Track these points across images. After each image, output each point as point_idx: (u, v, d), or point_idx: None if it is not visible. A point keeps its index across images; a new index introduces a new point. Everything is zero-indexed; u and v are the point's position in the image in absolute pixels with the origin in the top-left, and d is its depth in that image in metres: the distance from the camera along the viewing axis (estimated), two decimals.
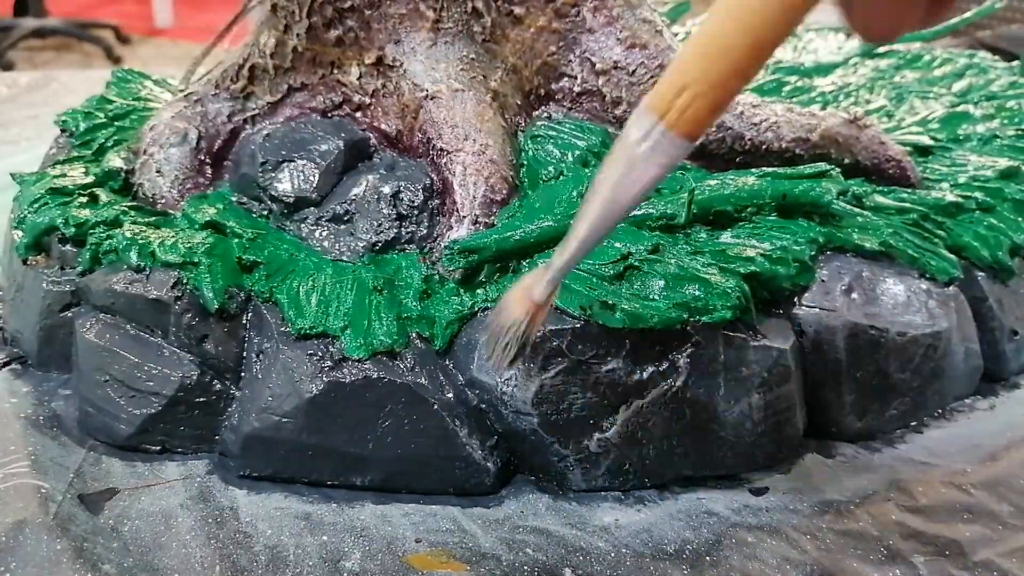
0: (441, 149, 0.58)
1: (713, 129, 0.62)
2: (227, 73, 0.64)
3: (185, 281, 0.51)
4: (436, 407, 0.48)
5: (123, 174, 0.62)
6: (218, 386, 0.51)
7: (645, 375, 0.48)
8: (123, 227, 0.55)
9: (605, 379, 0.48)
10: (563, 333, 0.48)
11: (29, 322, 0.58)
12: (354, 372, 0.48)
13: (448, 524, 0.47)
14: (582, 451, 0.49)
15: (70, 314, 0.56)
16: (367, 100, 0.62)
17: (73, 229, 0.56)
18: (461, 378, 0.50)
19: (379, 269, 0.54)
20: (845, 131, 0.62)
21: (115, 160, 0.63)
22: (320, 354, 0.49)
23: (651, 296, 0.48)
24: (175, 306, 0.51)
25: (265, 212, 0.58)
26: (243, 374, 0.51)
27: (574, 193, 0.56)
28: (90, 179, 0.61)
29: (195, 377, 0.50)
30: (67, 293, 0.56)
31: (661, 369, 0.49)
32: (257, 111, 0.63)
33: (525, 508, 0.49)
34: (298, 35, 0.61)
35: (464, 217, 0.55)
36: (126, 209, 0.57)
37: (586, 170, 0.59)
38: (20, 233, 0.59)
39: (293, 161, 0.58)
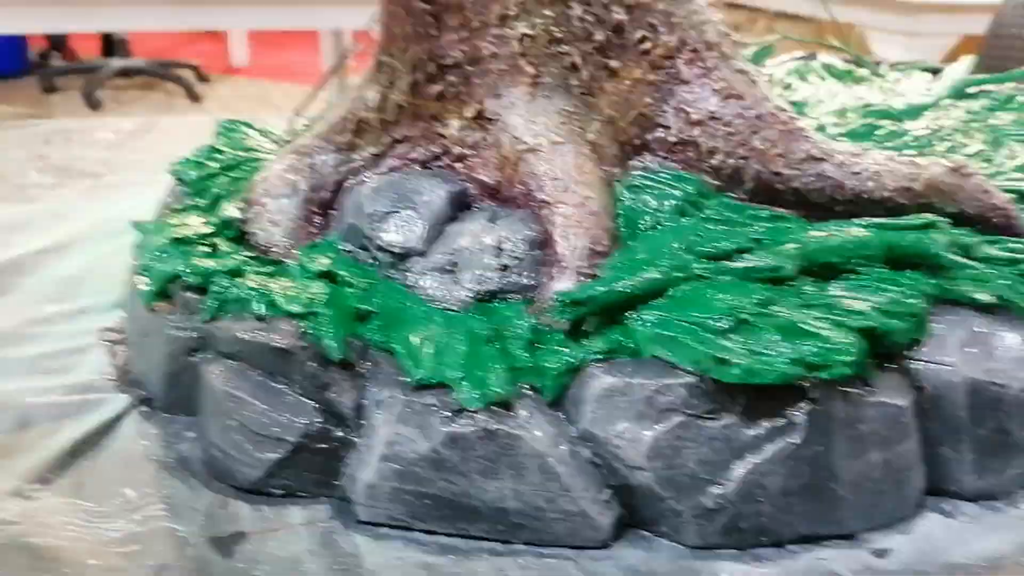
0: (542, 201, 0.59)
1: (812, 178, 0.62)
2: (334, 127, 0.67)
3: (307, 331, 0.53)
4: (551, 460, 0.49)
5: (237, 223, 0.65)
6: (339, 433, 0.53)
7: (761, 431, 0.48)
8: (245, 277, 0.58)
9: (720, 435, 0.48)
10: (676, 388, 0.49)
11: (154, 366, 0.61)
12: (471, 423, 0.49)
13: None
14: (697, 507, 0.49)
15: (194, 359, 0.59)
16: (466, 151, 0.64)
17: (198, 278, 0.59)
18: (574, 430, 0.51)
19: (487, 319, 0.55)
20: (948, 180, 0.62)
21: (230, 210, 0.66)
22: (437, 404, 0.50)
23: (766, 351, 0.48)
24: (299, 355, 0.53)
25: (371, 260, 0.60)
26: (362, 422, 0.53)
27: (675, 244, 0.56)
28: (209, 229, 0.65)
29: (318, 424, 0.52)
30: (191, 339, 0.59)
31: (778, 426, 0.48)
32: (361, 163, 0.66)
33: (640, 563, 0.49)
34: (401, 90, 0.64)
35: (566, 268, 0.56)
36: (247, 259, 0.60)
37: (684, 219, 0.59)
38: (146, 281, 0.62)
39: (399, 212, 0.60)
